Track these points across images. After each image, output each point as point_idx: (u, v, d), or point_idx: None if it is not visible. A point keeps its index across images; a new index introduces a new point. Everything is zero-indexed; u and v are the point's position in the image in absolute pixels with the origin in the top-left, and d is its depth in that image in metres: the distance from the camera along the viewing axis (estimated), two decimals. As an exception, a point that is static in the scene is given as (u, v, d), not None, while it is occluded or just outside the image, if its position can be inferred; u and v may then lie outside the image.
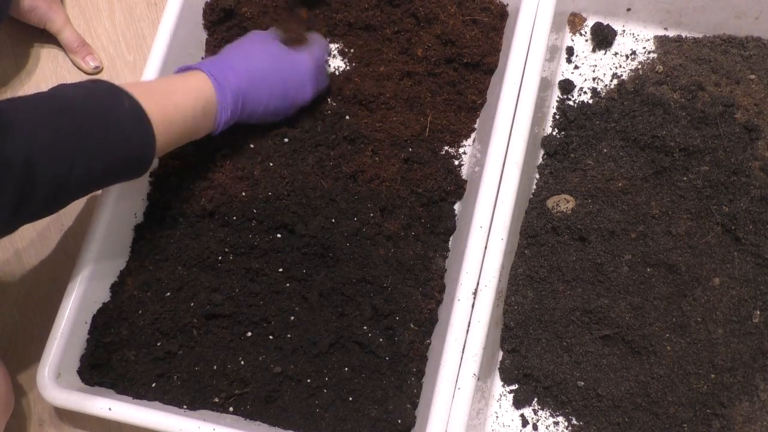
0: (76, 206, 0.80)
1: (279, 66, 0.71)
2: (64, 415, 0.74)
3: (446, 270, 0.72)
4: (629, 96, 0.75)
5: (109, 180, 0.61)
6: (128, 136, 0.58)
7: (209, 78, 0.66)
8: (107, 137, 0.56)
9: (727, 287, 0.69)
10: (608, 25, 0.79)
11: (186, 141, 0.66)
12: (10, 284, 0.78)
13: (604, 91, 0.78)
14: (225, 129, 0.69)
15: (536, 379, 0.70)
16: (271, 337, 0.69)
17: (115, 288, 0.71)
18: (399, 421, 0.66)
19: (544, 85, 0.74)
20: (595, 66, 0.79)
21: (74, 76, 0.84)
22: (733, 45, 0.76)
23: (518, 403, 0.71)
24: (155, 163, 0.75)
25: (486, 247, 0.66)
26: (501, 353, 0.72)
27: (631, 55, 0.79)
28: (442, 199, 0.74)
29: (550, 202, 0.73)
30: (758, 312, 0.68)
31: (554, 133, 0.77)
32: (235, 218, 0.70)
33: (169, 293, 0.69)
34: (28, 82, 0.84)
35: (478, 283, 0.66)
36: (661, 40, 0.79)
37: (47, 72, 0.85)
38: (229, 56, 0.70)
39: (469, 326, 0.65)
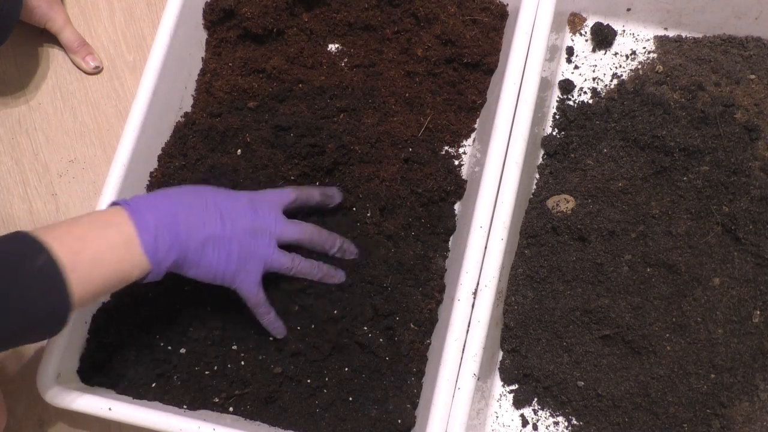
0: (76, 206, 0.80)
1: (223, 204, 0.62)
2: (64, 415, 0.74)
3: (446, 270, 0.72)
4: (629, 96, 0.75)
5: (14, 343, 0.54)
6: (37, 306, 0.52)
7: (124, 208, 0.58)
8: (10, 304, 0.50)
9: (727, 287, 0.69)
10: (608, 25, 0.79)
11: (116, 286, 0.57)
12: (10, 284, 0.78)
13: (604, 91, 0.78)
14: (169, 268, 0.59)
15: (536, 379, 0.70)
16: (271, 338, 0.69)
17: (115, 288, 0.71)
18: (399, 421, 0.66)
19: (544, 85, 0.74)
20: (595, 66, 0.79)
21: (74, 76, 0.84)
22: (733, 45, 0.76)
23: (518, 403, 0.71)
24: (154, 163, 0.75)
25: (486, 247, 0.66)
26: (501, 353, 0.72)
27: (631, 55, 0.79)
28: (442, 199, 0.74)
29: (550, 202, 0.73)
30: (758, 312, 0.68)
31: (554, 133, 0.77)
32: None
33: (169, 293, 0.69)
34: (28, 82, 0.84)
35: (478, 283, 0.66)
36: (661, 40, 0.79)
37: (47, 72, 0.85)
38: (160, 191, 0.62)
39: (469, 326, 0.65)
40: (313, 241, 0.67)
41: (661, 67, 0.77)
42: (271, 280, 0.68)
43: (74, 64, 0.84)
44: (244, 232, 0.62)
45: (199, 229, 0.59)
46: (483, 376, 0.67)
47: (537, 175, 0.76)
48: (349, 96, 0.77)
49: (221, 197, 0.63)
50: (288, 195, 0.67)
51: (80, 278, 0.53)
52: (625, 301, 0.69)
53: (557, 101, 0.78)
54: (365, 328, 0.68)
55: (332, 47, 0.81)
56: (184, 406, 0.67)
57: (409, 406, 0.67)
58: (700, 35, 0.78)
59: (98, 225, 0.56)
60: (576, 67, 0.80)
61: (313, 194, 0.69)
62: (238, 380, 0.68)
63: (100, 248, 0.55)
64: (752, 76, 0.75)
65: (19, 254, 0.52)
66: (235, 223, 0.61)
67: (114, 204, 0.60)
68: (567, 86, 0.78)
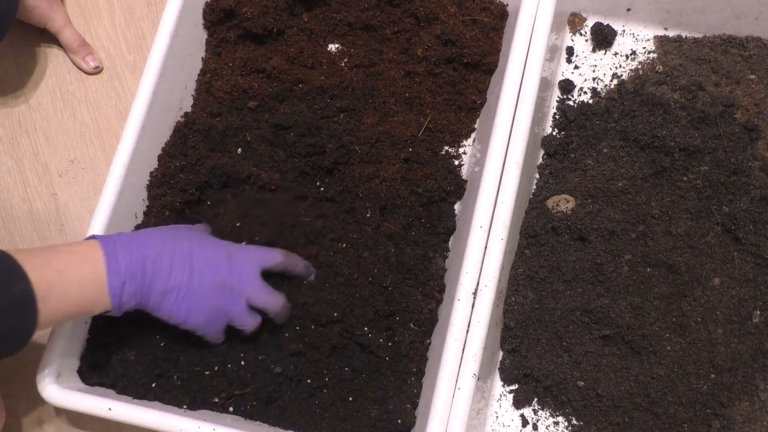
0: (76, 206, 0.80)
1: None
2: (64, 415, 0.74)
3: (446, 270, 0.72)
4: (629, 96, 0.75)
5: None
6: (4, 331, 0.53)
7: (101, 247, 0.58)
8: None
9: (727, 287, 0.69)
10: (608, 25, 0.79)
11: (77, 317, 0.59)
12: (10, 284, 0.78)
13: (604, 91, 0.78)
14: (131, 310, 0.61)
15: (536, 379, 0.70)
16: (270, 338, 0.69)
17: (115, 288, 0.71)
18: (399, 421, 0.66)
19: (544, 85, 0.74)
20: (595, 66, 0.79)
21: (74, 76, 0.84)
22: (733, 45, 0.76)
23: (518, 403, 0.71)
24: (154, 163, 0.75)
25: (486, 247, 0.66)
26: (501, 353, 0.72)
27: (631, 55, 0.79)
28: (442, 199, 0.74)
29: (550, 202, 0.73)
30: (758, 312, 0.68)
31: (554, 133, 0.77)
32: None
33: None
34: (28, 82, 0.84)
35: (478, 283, 0.66)
36: (661, 40, 0.79)
37: (47, 72, 0.85)
38: (142, 232, 0.63)
39: (469, 326, 0.65)
40: (278, 315, 0.66)
41: (661, 67, 0.77)
42: (272, 278, 0.68)
43: (74, 64, 0.84)
44: (213, 287, 0.62)
45: (163, 279, 0.60)
46: (483, 376, 0.67)
47: (537, 175, 0.76)
48: (349, 96, 0.77)
49: (197, 245, 0.62)
50: (275, 258, 0.66)
51: (49, 308, 0.55)
52: (625, 301, 0.69)
53: (557, 101, 0.78)
54: (365, 328, 0.68)
55: (332, 47, 0.81)
56: (184, 406, 0.67)
57: (409, 406, 0.67)
58: (700, 35, 0.78)
59: (75, 259, 0.57)
60: (576, 67, 0.80)
61: (297, 264, 0.68)
62: (238, 380, 0.68)
63: (72, 283, 0.56)
64: (752, 76, 0.75)
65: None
66: (203, 275, 0.61)
67: (93, 237, 0.60)
68: (567, 86, 0.78)
